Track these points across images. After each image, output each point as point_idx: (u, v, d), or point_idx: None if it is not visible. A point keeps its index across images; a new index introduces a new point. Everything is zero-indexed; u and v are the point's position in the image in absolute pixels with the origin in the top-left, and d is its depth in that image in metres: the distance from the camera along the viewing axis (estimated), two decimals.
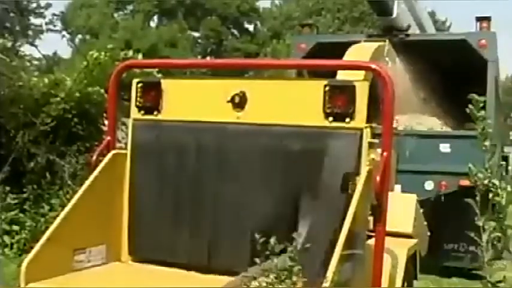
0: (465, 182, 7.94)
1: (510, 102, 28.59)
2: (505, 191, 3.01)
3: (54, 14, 39.98)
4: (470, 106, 3.11)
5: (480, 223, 3.06)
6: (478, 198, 3.07)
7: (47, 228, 3.77)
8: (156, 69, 8.62)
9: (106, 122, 5.00)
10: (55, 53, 43.34)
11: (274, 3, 50.50)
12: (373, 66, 3.89)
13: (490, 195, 3.04)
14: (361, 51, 7.19)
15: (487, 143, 3.12)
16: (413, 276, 5.02)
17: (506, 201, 3.01)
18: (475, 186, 3.06)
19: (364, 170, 3.53)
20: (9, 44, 10.87)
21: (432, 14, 35.59)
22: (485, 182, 3.04)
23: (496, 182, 3.03)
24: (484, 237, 3.07)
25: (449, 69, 8.97)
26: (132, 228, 4.14)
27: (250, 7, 47.28)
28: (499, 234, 3.08)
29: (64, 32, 43.69)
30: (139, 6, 45.29)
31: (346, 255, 3.18)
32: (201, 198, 3.96)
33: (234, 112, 3.92)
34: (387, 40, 8.15)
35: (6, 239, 8.28)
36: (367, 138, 3.63)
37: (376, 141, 3.65)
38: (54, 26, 40.03)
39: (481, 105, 3.14)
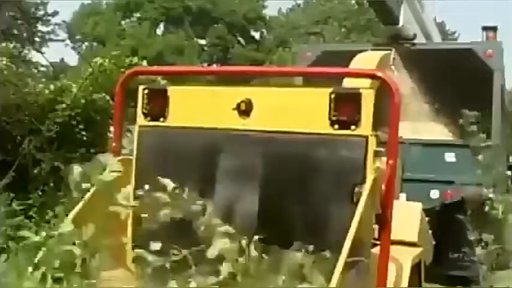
0: None
1: None
2: (503, 203, 3.00)
3: (56, 24, 39.94)
4: (461, 121, 3.09)
5: (472, 237, 3.06)
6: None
7: None
8: (161, 77, 8.66)
9: (111, 129, 5.01)
10: (62, 60, 43.44)
11: (280, 11, 50.68)
12: (379, 74, 3.89)
13: (486, 208, 3.03)
14: (367, 60, 7.20)
15: (480, 157, 3.12)
16: (418, 284, 5.00)
17: (504, 212, 3.01)
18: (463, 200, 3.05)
19: (369, 178, 3.52)
20: (15, 51, 10.90)
21: (441, 25, 35.61)
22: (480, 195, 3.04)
23: (491, 196, 3.03)
24: (485, 248, 3.07)
25: (455, 78, 8.97)
26: (136, 235, 4.14)
27: (256, 15, 47.35)
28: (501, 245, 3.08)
29: (67, 41, 43.66)
30: (146, 14, 45.42)
31: (350, 263, 3.18)
32: (206, 204, 3.95)
33: (240, 119, 3.93)
34: (393, 49, 8.16)
35: (12, 244, 8.28)
36: (372, 146, 3.63)
37: (381, 149, 3.65)
38: (57, 35, 40.02)
39: (472, 120, 3.13)
